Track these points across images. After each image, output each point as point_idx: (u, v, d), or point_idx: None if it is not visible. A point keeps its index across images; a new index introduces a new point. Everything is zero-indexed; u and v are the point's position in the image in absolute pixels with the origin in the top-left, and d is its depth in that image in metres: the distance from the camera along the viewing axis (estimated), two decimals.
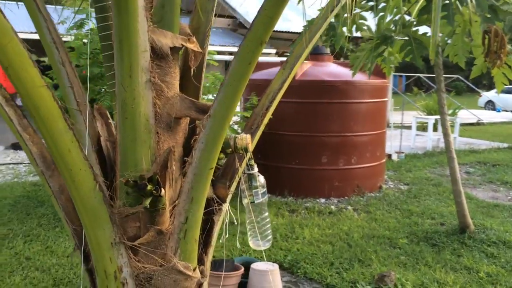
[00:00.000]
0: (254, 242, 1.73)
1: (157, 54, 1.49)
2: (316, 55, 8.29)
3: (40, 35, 1.52)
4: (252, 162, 1.69)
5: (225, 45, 13.90)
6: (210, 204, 1.72)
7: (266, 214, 1.74)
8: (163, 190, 1.39)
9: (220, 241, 1.79)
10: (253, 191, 1.68)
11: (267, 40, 1.34)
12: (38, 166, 1.61)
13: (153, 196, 1.37)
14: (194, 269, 1.56)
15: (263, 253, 5.30)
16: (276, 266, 4.40)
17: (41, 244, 5.58)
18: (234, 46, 14.34)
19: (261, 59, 10.97)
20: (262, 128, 1.88)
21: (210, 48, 14.88)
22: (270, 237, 1.76)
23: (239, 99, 1.40)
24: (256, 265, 4.36)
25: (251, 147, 1.67)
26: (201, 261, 1.66)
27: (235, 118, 7.30)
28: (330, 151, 7.69)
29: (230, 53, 15.00)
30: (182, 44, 1.53)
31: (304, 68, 7.88)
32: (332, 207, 7.31)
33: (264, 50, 15.20)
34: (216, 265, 4.36)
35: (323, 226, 6.40)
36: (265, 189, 1.70)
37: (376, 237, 5.97)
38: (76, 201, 1.40)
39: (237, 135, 1.69)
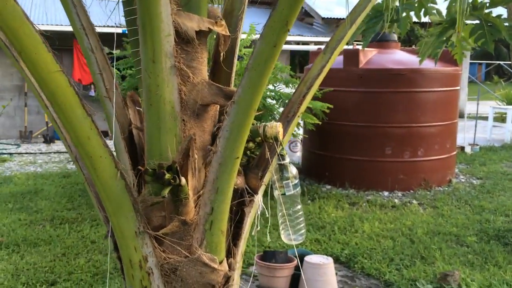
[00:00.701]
0: (286, 235, 1.64)
1: (182, 38, 1.44)
2: (381, 42, 7.94)
3: (71, 20, 1.52)
4: (284, 152, 1.59)
5: (290, 34, 13.75)
6: (242, 195, 1.65)
7: (299, 207, 1.64)
8: (183, 180, 1.34)
9: (252, 233, 1.73)
10: (284, 182, 1.59)
11: (293, 21, 1.24)
12: (73, 153, 1.63)
13: (173, 186, 1.33)
14: (221, 262, 1.51)
15: (315, 246, 5.16)
16: (330, 259, 4.27)
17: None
18: (300, 35, 14.15)
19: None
20: (298, 116, 1.77)
21: None
22: (303, 231, 1.66)
23: (265, 84, 1.31)
24: (309, 258, 4.26)
25: (282, 136, 1.57)
26: (230, 254, 1.60)
27: None
28: (394, 143, 7.36)
29: (297, 43, 14.84)
30: (209, 28, 1.47)
31: (369, 56, 7.58)
32: (396, 200, 7.01)
33: (327, 39, 14.87)
34: (269, 256, 4.31)
35: (385, 220, 6.15)
36: (297, 181, 1.60)
37: (442, 233, 5.64)
38: (98, 188, 1.39)
39: (267, 123, 1.61)
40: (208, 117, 1.53)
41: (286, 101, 6.86)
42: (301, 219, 1.65)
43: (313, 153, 8.10)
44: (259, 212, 1.68)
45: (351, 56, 7.38)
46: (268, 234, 1.77)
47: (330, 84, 7.44)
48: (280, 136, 1.55)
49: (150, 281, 1.47)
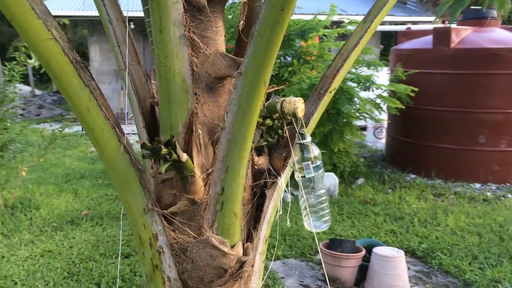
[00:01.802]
0: (308, 222, 1.50)
1: (193, 5, 1.34)
2: (478, 19, 7.22)
3: None
4: (305, 130, 1.44)
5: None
6: (265, 176, 1.54)
7: (322, 191, 1.48)
8: (183, 156, 1.26)
9: (276, 217, 1.60)
10: (304, 163, 1.44)
11: None
12: None
13: (175, 162, 1.26)
14: (233, 246, 1.41)
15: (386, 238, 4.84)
16: (402, 252, 3.99)
17: None
18: (391, 15, 13.40)
19: (414, 27, 10.04)
20: (329, 92, 1.60)
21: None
22: (327, 218, 1.50)
23: (275, 53, 1.18)
24: (378, 250, 4.02)
25: (302, 113, 1.42)
26: (250, 239, 1.50)
27: (378, 92, 6.79)
28: (489, 130, 6.70)
29: (391, 23, 14.07)
30: None
31: (463, 35, 6.94)
32: (488, 194, 6.40)
33: (423, 18, 13.90)
34: (335, 244, 4.14)
35: (473, 214, 5.64)
36: (319, 162, 1.44)
37: None
38: (104, 162, 1.36)
39: (285, 98, 1.47)
40: (223, 92, 1.43)
41: (367, 84, 6.52)
42: (325, 204, 1.49)
43: (397, 140, 7.65)
44: (282, 196, 1.54)
45: (442, 35, 6.79)
46: (288, 219, 1.62)
47: (416, 66, 6.95)
48: (299, 113, 1.40)
49: (161, 260, 1.42)
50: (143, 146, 1.21)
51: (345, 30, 7.08)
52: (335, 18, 6.89)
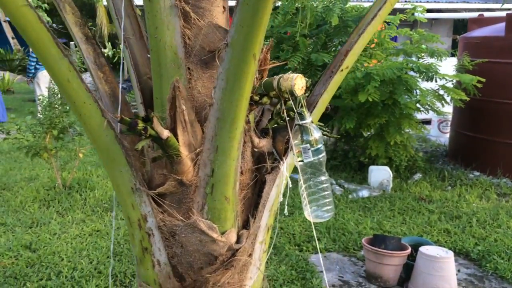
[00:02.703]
0: (307, 211, 1.36)
1: None
2: None
3: None
4: (304, 110, 1.30)
5: (452, 2, 12.29)
6: (266, 159, 1.42)
7: (323, 178, 1.33)
8: (164, 132, 1.17)
9: (277, 206, 1.48)
10: (302, 147, 1.30)
11: None
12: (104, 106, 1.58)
13: (156, 139, 1.18)
14: (224, 232, 1.32)
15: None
16: (450, 253, 3.71)
17: None
18: (465, 2, 12.57)
19: (488, 14, 9.33)
20: (341, 71, 1.45)
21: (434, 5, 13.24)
22: (329, 207, 1.35)
23: (263, 22, 1.05)
24: (425, 249, 3.76)
25: (302, 91, 1.28)
26: (246, 226, 1.40)
27: (442, 82, 6.36)
28: None
29: (466, 11, 13.24)
30: None
31: None
32: None
33: (493, 5, 12.86)
34: (378, 240, 3.92)
35: None
36: (320, 146, 1.29)
37: None
38: (89, 138, 1.31)
39: (283, 75, 1.33)
40: (218, 67, 1.33)
41: (430, 74, 6.13)
42: (327, 192, 1.35)
43: (461, 134, 7.16)
44: (284, 182, 1.42)
45: None
46: (286, 207, 1.48)
47: (485, 55, 6.44)
48: (298, 91, 1.27)
49: (150, 243, 1.36)
50: (121, 120, 1.15)
51: (409, 16, 6.70)
52: (398, 5, 6.53)
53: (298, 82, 1.26)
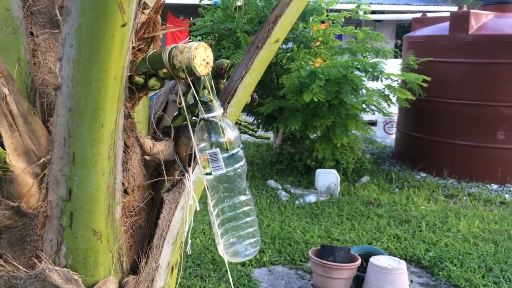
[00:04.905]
0: (221, 246, 0.94)
1: None
2: (500, 4, 6.55)
3: None
4: (211, 97, 0.88)
5: (395, 4, 12.36)
6: (169, 171, 1.00)
7: (243, 197, 0.91)
8: None
9: (188, 233, 1.05)
10: (209, 152, 0.89)
11: None
12: None
13: None
14: (93, 285, 0.88)
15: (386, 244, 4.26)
16: (403, 264, 3.42)
17: None
18: (407, 5, 12.68)
19: (431, 14, 9.37)
20: (271, 47, 1.06)
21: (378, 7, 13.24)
22: (253, 239, 0.94)
23: None
24: (376, 259, 3.45)
25: (207, 69, 0.86)
26: (132, 269, 0.96)
27: (387, 82, 6.16)
28: (509, 126, 6.05)
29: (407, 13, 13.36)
30: None
31: (483, 20, 6.28)
32: (507, 196, 5.77)
33: (442, 8, 13.09)
34: (326, 252, 3.57)
35: (489, 219, 5.02)
36: (237, 151, 0.88)
37: None
38: None
39: (177, 44, 0.91)
40: None
41: (375, 73, 5.91)
42: (250, 218, 0.93)
43: (407, 135, 7.03)
44: (190, 201, 0.99)
45: (459, 20, 6.14)
46: (190, 241, 1.05)
47: (430, 54, 6.31)
48: (199, 68, 0.85)
49: None
50: None
51: (353, 14, 6.47)
52: (343, 5, 6.30)
53: (199, 54, 0.84)
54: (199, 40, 6.82)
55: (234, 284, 3.71)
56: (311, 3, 6.08)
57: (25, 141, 0.83)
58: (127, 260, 0.97)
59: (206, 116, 0.89)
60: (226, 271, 3.88)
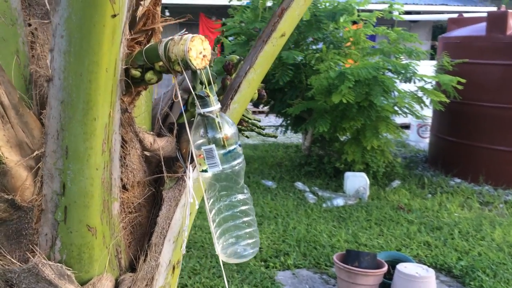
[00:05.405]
0: (218, 246, 0.91)
1: None
2: None
3: None
4: (207, 91, 0.85)
5: (431, 4, 12.05)
6: (171, 168, 0.97)
7: (241, 196, 0.88)
8: None
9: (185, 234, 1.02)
10: (204, 149, 0.86)
11: None
12: None
13: None
14: (86, 282, 0.86)
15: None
16: (431, 272, 3.29)
17: None
18: (444, 5, 12.33)
19: (468, 14, 9.07)
20: (277, 41, 1.01)
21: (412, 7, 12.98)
22: (252, 240, 0.90)
23: None
24: (403, 266, 3.35)
25: (204, 62, 0.83)
26: (132, 267, 0.94)
27: (421, 84, 5.99)
28: None
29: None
30: None
31: None
32: None
33: (480, 9, 12.71)
34: (352, 257, 3.49)
35: None
36: (234, 147, 0.84)
37: None
38: None
39: (173, 37, 0.88)
40: None
41: (408, 75, 5.76)
42: (249, 218, 0.90)
43: (441, 139, 6.81)
44: (190, 199, 0.96)
45: (497, 20, 5.91)
46: (184, 240, 1.01)
47: (466, 55, 6.10)
48: (195, 61, 0.82)
49: None
50: None
51: (385, 14, 6.33)
52: (376, 6, 6.17)
53: (195, 47, 0.81)
54: (230, 42, 6.83)
55: (257, 287, 3.68)
56: (342, 3, 5.99)
57: (17, 133, 0.83)
58: (125, 257, 0.95)
59: (202, 111, 0.86)
60: (250, 272, 3.84)
